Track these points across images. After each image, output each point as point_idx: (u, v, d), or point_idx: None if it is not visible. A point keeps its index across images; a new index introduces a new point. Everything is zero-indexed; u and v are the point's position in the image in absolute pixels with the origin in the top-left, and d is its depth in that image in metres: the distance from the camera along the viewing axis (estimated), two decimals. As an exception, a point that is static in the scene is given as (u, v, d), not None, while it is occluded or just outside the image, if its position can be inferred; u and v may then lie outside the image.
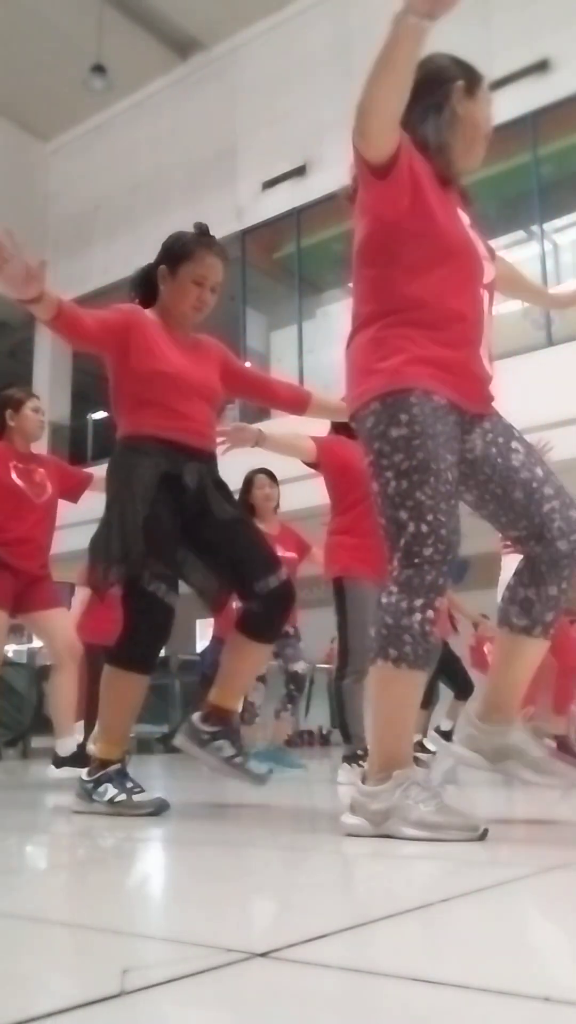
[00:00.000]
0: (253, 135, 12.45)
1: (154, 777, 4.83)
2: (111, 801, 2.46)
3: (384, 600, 1.88)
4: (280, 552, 4.78)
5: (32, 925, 1.11)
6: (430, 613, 1.83)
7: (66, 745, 3.95)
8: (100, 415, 11.75)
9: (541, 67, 10.10)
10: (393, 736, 1.86)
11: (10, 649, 11.91)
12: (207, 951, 0.89)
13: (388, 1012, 0.73)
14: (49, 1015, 0.71)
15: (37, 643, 8.27)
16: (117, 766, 2.55)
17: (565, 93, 9.96)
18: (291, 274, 12.17)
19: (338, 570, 3.75)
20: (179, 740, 2.80)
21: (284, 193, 11.96)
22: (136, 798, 2.46)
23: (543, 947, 0.98)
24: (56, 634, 3.91)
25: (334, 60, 11.63)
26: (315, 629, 6.73)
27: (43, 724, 5.89)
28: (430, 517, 1.83)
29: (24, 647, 9.67)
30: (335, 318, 13.07)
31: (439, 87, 1.97)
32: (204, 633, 15.19)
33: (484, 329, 1.99)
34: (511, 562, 2.55)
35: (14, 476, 3.83)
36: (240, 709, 2.88)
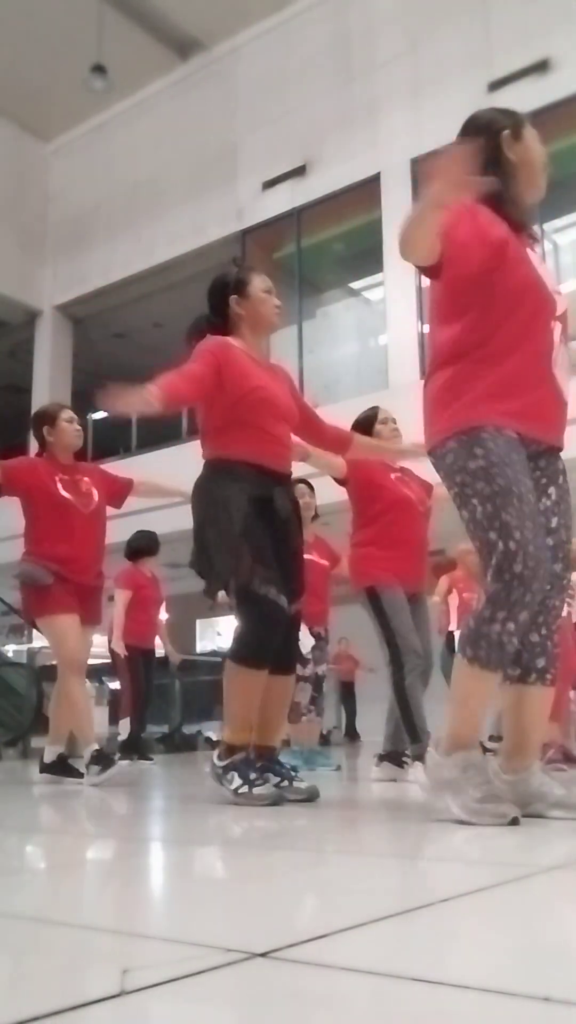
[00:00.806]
0: (253, 135, 12.44)
1: (154, 777, 4.83)
2: (236, 791, 2.64)
3: (476, 607, 2.06)
4: (315, 559, 4.82)
5: (32, 925, 1.11)
6: (511, 626, 1.98)
7: (49, 752, 4.03)
8: (100, 415, 11.75)
9: (541, 67, 10.09)
10: (463, 719, 2.05)
11: (10, 649, 11.94)
12: (207, 951, 0.89)
13: (388, 1012, 0.73)
14: (49, 1015, 0.71)
15: (37, 643, 8.27)
16: (243, 754, 2.73)
17: (565, 93, 9.95)
18: (291, 274, 12.16)
19: (369, 580, 3.81)
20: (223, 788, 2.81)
21: (284, 193, 11.95)
22: (256, 791, 2.63)
23: (543, 947, 0.98)
24: (65, 645, 3.88)
25: (334, 60, 11.63)
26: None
27: (43, 724, 5.93)
28: (517, 535, 1.98)
29: (24, 647, 9.68)
30: (335, 318, 13.08)
31: (489, 141, 2.13)
32: (204, 633, 15.24)
33: (557, 360, 2.12)
34: None
35: (60, 489, 3.87)
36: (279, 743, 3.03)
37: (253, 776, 2.65)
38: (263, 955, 0.87)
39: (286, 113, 12.00)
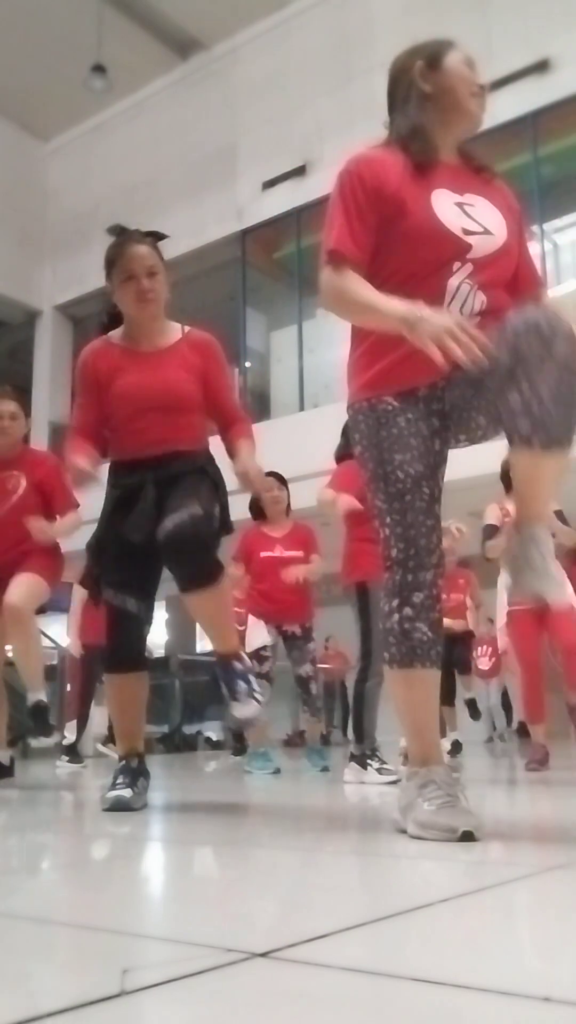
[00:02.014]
0: (253, 135, 12.44)
1: (154, 777, 4.82)
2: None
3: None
4: (280, 553, 4.80)
5: (32, 925, 1.11)
6: (407, 611, 1.87)
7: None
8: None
9: (541, 67, 10.10)
10: (411, 735, 1.91)
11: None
12: (207, 951, 0.89)
13: (388, 1012, 0.73)
14: (49, 1015, 0.71)
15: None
16: (123, 763, 2.72)
17: (565, 93, 9.96)
18: (291, 274, 12.17)
19: (361, 575, 3.81)
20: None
21: (284, 193, 11.95)
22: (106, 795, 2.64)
23: (543, 947, 0.98)
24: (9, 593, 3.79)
25: (334, 60, 11.64)
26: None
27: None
28: (388, 520, 1.90)
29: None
30: (335, 318, 13.06)
31: (402, 81, 2.02)
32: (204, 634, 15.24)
33: (457, 304, 1.90)
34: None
35: None
36: (237, 644, 2.92)
37: (119, 781, 2.65)
38: (263, 955, 0.87)
39: (286, 113, 12.01)
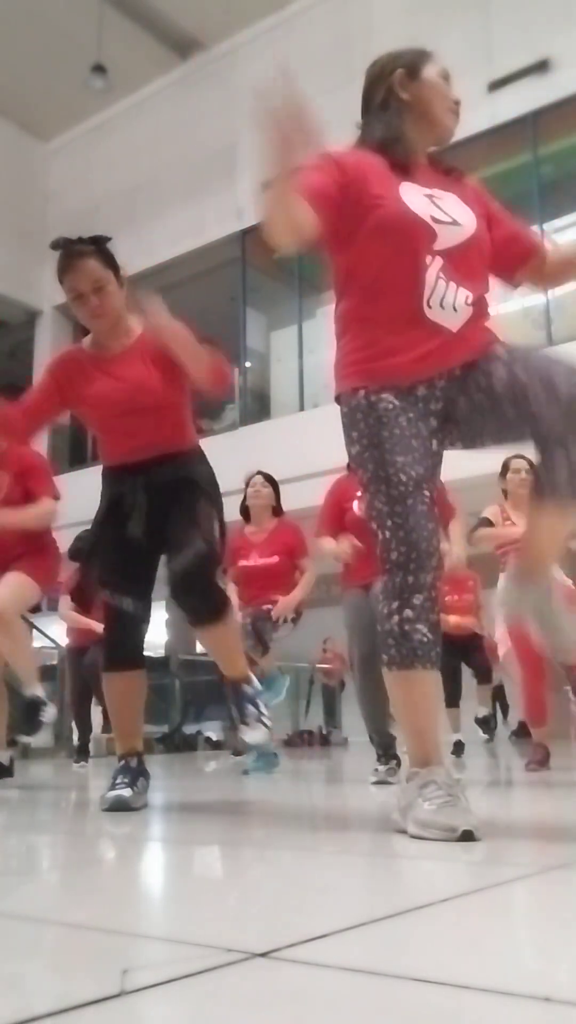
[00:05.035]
0: (253, 135, 12.43)
1: (154, 777, 4.82)
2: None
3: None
4: (254, 561, 4.73)
5: (32, 925, 1.11)
6: (408, 613, 1.87)
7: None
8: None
9: (541, 67, 10.10)
10: (410, 736, 1.90)
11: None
12: (207, 951, 0.89)
13: (388, 1012, 0.73)
14: (49, 1015, 0.71)
15: (36, 643, 8.27)
16: (123, 762, 2.72)
17: (565, 93, 9.95)
18: (291, 274, 12.16)
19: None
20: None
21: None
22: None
23: (543, 947, 0.98)
24: None
25: (334, 60, 11.63)
26: (310, 630, 6.73)
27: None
28: (389, 523, 1.89)
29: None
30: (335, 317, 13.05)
31: (380, 86, 2.06)
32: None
33: (434, 296, 1.92)
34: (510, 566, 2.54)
35: None
36: (245, 670, 2.93)
37: (119, 781, 2.65)
38: (263, 955, 0.87)
39: (286, 113, 11.99)
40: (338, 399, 2.03)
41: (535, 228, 10.39)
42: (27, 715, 3.94)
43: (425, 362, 1.93)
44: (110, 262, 2.74)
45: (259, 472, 4.87)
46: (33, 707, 3.91)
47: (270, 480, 4.93)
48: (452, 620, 6.13)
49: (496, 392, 1.89)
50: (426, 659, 1.86)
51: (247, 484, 4.91)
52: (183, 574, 2.58)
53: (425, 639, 1.86)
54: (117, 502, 2.75)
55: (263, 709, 2.85)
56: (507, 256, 2.12)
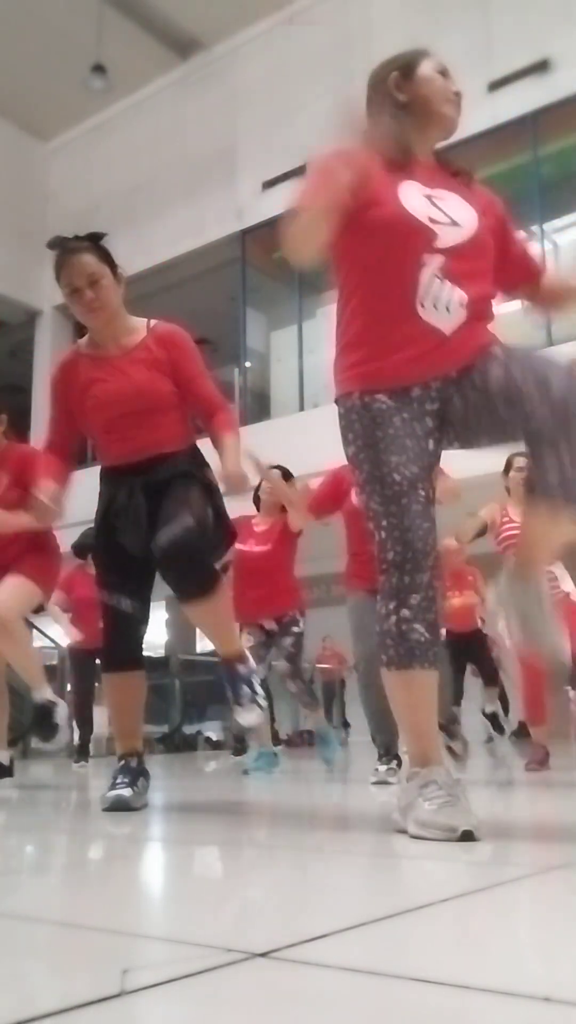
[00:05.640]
0: (253, 135, 12.44)
1: (154, 777, 4.82)
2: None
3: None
4: (250, 547, 4.74)
5: (32, 925, 1.11)
6: (405, 613, 1.87)
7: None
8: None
9: (541, 67, 10.10)
10: (409, 735, 1.91)
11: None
12: (207, 951, 0.89)
13: (388, 1012, 0.73)
14: (49, 1015, 0.71)
15: (37, 643, 8.27)
16: (123, 762, 2.72)
17: (565, 93, 9.95)
18: (291, 274, 12.15)
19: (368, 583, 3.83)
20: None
21: (284, 193, 11.94)
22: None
23: (543, 947, 0.98)
24: None
25: (334, 60, 11.63)
26: (310, 629, 6.74)
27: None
28: (384, 523, 1.90)
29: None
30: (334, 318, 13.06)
31: (377, 92, 2.07)
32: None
33: (428, 296, 1.92)
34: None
35: None
36: (239, 648, 2.93)
37: (119, 780, 2.65)
38: (263, 955, 0.87)
39: (286, 113, 11.99)
40: (336, 401, 2.04)
41: (535, 228, 10.43)
42: (40, 722, 3.89)
43: (419, 364, 1.93)
44: (105, 257, 2.74)
45: (277, 466, 4.84)
46: (44, 712, 3.87)
47: (287, 477, 4.93)
48: (456, 602, 6.12)
49: (491, 391, 1.89)
50: (424, 659, 1.86)
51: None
52: (168, 545, 2.52)
53: (423, 639, 1.86)
54: (116, 504, 2.75)
55: (258, 690, 2.85)
56: (514, 273, 2.15)
